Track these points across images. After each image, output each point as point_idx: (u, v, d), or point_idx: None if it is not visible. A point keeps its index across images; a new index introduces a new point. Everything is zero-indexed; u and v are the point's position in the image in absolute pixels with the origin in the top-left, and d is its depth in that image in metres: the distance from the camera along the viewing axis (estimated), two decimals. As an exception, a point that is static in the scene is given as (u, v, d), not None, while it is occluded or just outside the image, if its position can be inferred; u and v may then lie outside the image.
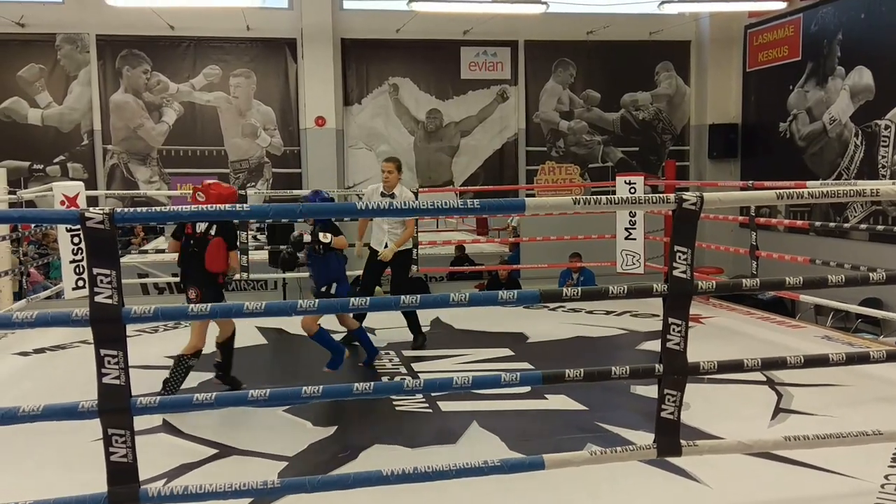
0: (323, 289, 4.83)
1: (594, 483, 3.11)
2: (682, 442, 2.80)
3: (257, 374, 5.04)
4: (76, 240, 6.16)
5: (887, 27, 9.10)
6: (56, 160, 10.70)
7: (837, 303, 6.23)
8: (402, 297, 2.65)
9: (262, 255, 8.36)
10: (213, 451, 3.59)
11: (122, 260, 2.91)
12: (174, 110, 10.98)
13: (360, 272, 6.27)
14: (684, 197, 2.65)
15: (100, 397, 2.39)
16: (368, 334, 5.30)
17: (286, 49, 11.08)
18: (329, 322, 5.07)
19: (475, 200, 2.76)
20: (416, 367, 5.06)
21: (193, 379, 4.63)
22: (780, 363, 3.01)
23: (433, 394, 4.21)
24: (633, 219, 7.42)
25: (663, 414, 2.76)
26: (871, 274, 3.14)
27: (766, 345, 5.52)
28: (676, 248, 2.68)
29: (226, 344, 4.53)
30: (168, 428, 3.85)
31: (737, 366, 2.97)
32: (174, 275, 4.52)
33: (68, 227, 6.05)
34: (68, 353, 5.51)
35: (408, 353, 5.41)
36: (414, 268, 7.09)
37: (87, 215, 2.31)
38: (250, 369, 4.85)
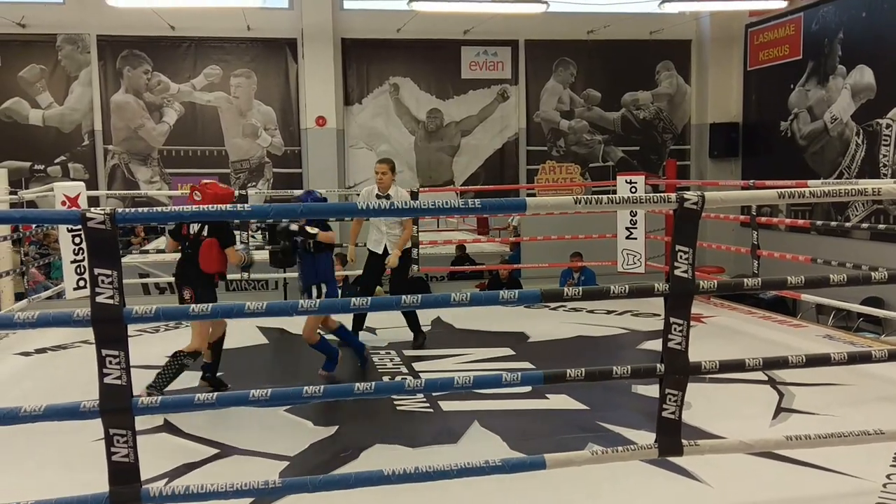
0: (312, 289, 4.76)
1: (595, 483, 3.10)
2: (684, 441, 2.80)
3: (258, 373, 5.05)
4: (77, 240, 6.17)
5: (888, 26, 9.09)
6: (57, 160, 10.70)
7: (839, 302, 6.23)
8: (404, 296, 2.65)
9: (263, 256, 8.35)
10: (214, 451, 3.59)
11: (123, 260, 2.91)
12: (175, 110, 10.98)
13: (360, 272, 6.28)
14: (686, 196, 2.65)
15: (101, 397, 2.39)
16: (364, 332, 5.30)
17: (287, 49, 11.08)
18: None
19: (476, 200, 2.76)
20: (417, 366, 5.06)
21: (193, 379, 4.64)
22: (782, 363, 3.01)
23: (434, 393, 4.21)
24: (633, 218, 7.42)
25: (665, 413, 2.76)
26: (872, 273, 3.14)
27: (768, 344, 5.52)
28: (678, 247, 2.68)
29: (216, 344, 4.53)
30: (169, 428, 3.85)
31: (738, 365, 2.96)
32: (174, 275, 4.53)
33: (69, 227, 6.05)
34: (69, 353, 5.52)
35: (408, 352, 5.41)
36: (415, 267, 7.10)
37: (88, 216, 2.31)
38: (251, 369, 4.86)
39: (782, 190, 2.92)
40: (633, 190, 7.40)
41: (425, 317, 5.90)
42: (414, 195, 7.67)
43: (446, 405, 4.15)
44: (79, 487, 2.49)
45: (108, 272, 2.35)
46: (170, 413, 3.86)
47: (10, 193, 6.89)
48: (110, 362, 2.38)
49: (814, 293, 6.72)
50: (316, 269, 4.76)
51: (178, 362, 4.19)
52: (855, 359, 3.21)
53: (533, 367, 4.89)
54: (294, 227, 4.71)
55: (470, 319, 6.34)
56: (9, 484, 3.20)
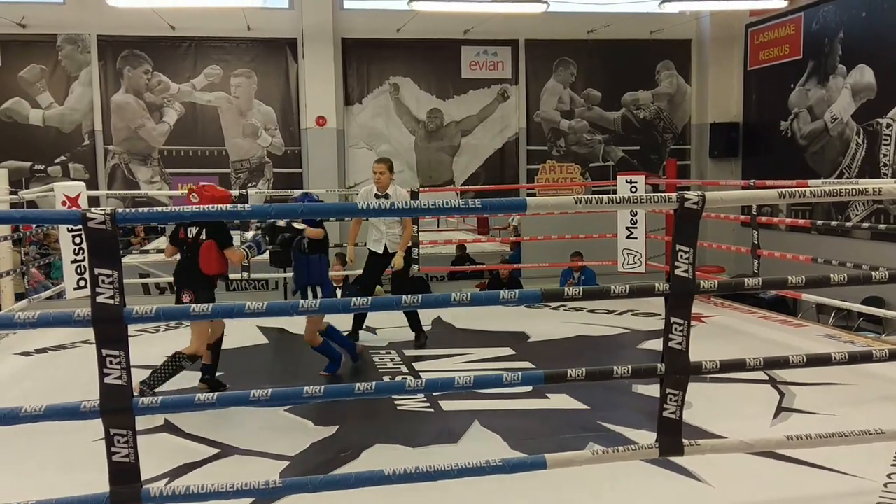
0: (308, 291, 4.70)
1: (596, 482, 3.10)
2: (685, 441, 2.79)
3: (259, 373, 5.05)
4: (77, 240, 6.17)
5: (889, 25, 9.08)
6: (57, 160, 10.70)
7: (839, 301, 6.22)
8: (404, 296, 2.65)
9: (263, 256, 8.34)
10: (214, 451, 3.59)
11: (124, 260, 2.92)
12: (175, 110, 10.98)
13: (360, 272, 6.28)
14: (686, 196, 2.65)
15: (102, 397, 2.39)
16: (364, 332, 5.28)
17: (287, 49, 11.08)
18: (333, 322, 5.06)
19: (476, 200, 2.75)
20: (417, 366, 5.06)
21: (194, 379, 4.64)
22: (783, 362, 3.01)
23: (434, 393, 4.21)
24: (634, 218, 7.42)
25: (665, 413, 2.76)
26: (873, 273, 3.13)
27: (768, 344, 5.52)
28: (678, 247, 2.68)
29: (215, 345, 4.53)
30: (170, 428, 3.85)
31: (739, 365, 2.96)
32: (173, 277, 4.52)
33: (70, 227, 6.05)
34: (70, 353, 5.52)
35: (409, 352, 5.41)
36: (415, 267, 7.09)
37: (88, 216, 2.31)
38: (252, 369, 4.85)
39: (783, 190, 2.92)
40: (634, 190, 7.40)
41: (425, 317, 5.90)
42: (414, 195, 7.67)
43: (447, 405, 4.15)
44: (79, 488, 2.49)
45: (109, 272, 2.34)
46: (170, 413, 3.85)
47: (11, 193, 6.89)
48: (111, 362, 2.38)
49: (814, 293, 6.71)
50: (309, 271, 4.70)
51: (175, 363, 4.18)
52: (856, 358, 3.21)
53: (533, 366, 4.88)
54: (281, 222, 4.65)
55: (470, 319, 6.34)
56: (9, 484, 3.20)
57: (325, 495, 2.63)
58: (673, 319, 2.70)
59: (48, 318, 2.47)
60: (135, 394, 2.51)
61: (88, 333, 2.41)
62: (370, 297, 2.71)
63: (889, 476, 3.13)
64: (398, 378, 4.75)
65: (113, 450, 2.41)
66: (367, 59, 11.35)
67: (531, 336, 5.88)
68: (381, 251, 5.64)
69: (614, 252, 7.62)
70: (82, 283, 6.17)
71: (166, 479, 3.21)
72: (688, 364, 2.74)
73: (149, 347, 5.30)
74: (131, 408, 2.41)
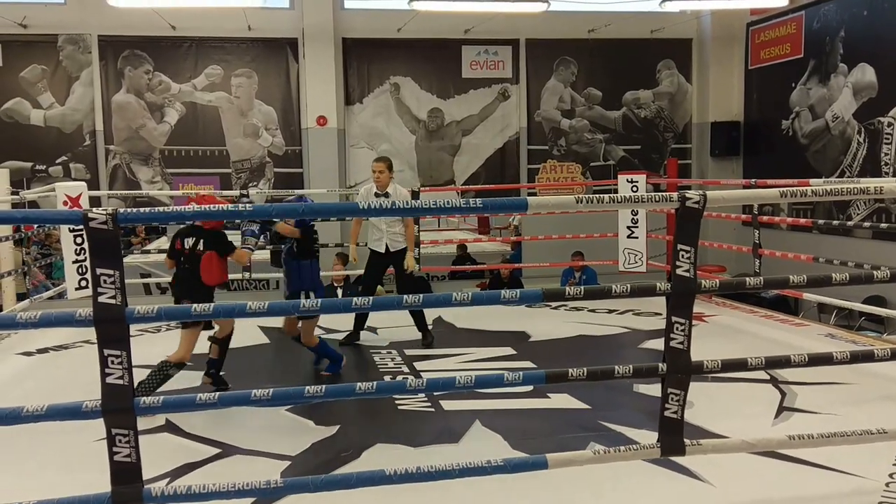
0: (301, 297, 4.63)
1: (597, 482, 3.10)
2: (686, 441, 2.79)
3: (260, 373, 5.05)
4: (79, 240, 6.17)
5: (890, 24, 9.07)
6: (58, 161, 10.71)
7: (841, 301, 6.22)
8: (405, 296, 2.65)
9: (263, 255, 8.35)
10: (215, 451, 3.59)
11: (125, 260, 2.92)
12: (176, 110, 10.98)
13: (361, 272, 6.28)
14: (687, 195, 2.65)
15: (103, 397, 2.39)
16: (365, 331, 5.27)
17: (287, 49, 11.08)
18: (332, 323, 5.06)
19: (477, 199, 2.75)
20: (418, 366, 5.06)
21: (194, 379, 4.64)
22: (784, 361, 3.01)
23: (435, 393, 4.21)
24: (635, 217, 7.42)
25: (667, 413, 2.76)
26: (875, 272, 3.13)
27: (770, 343, 5.52)
28: (680, 246, 2.67)
29: (223, 341, 4.54)
30: (171, 428, 3.86)
31: (740, 364, 2.96)
32: (172, 287, 4.51)
33: (71, 227, 6.06)
34: (71, 353, 5.52)
35: (410, 352, 5.41)
36: (416, 267, 7.09)
37: (90, 216, 2.31)
38: (253, 368, 4.86)
39: (784, 189, 2.92)
40: (635, 189, 7.39)
41: (426, 316, 5.89)
42: (415, 194, 7.67)
43: (447, 405, 4.15)
44: (80, 488, 2.49)
45: (110, 272, 2.35)
46: (171, 413, 3.86)
47: (12, 194, 6.89)
48: (112, 362, 2.38)
49: (816, 292, 6.70)
50: (301, 276, 4.67)
51: (162, 372, 4.17)
52: (857, 358, 3.20)
53: (534, 366, 4.89)
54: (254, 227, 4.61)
55: (471, 319, 6.34)
56: (10, 484, 3.20)
57: (325, 495, 2.63)
58: (674, 319, 2.70)
59: (50, 318, 2.47)
60: (143, 399, 2.51)
61: (90, 333, 2.41)
62: (371, 297, 2.71)
63: (891, 476, 3.12)
64: (399, 378, 4.75)
65: (114, 450, 2.41)
66: (368, 58, 11.35)
67: (532, 336, 5.88)
68: (382, 250, 5.65)
69: (615, 251, 7.61)
70: (84, 283, 6.17)
71: (167, 479, 3.21)
72: (689, 363, 2.74)
73: (150, 347, 5.30)
74: (133, 408, 2.42)
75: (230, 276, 4.61)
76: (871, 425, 2.98)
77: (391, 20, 11.01)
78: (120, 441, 2.40)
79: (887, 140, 9.19)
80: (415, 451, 3.55)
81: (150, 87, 10.89)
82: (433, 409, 4.12)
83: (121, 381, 2.38)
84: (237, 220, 5.19)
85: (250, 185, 10.92)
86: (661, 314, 2.84)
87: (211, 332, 4.58)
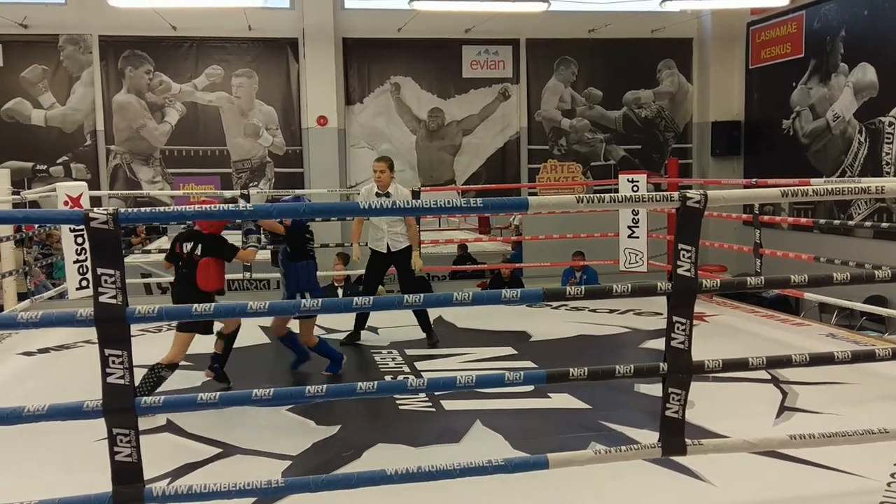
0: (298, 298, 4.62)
1: (598, 482, 3.10)
2: (687, 441, 2.79)
3: (260, 373, 5.05)
4: (80, 240, 6.17)
5: (891, 23, 9.07)
6: (59, 161, 10.71)
7: (842, 300, 6.21)
8: (405, 296, 2.65)
9: (264, 255, 8.35)
10: (216, 451, 3.59)
11: (125, 260, 2.92)
12: (176, 110, 10.99)
13: (362, 272, 6.27)
14: (688, 195, 2.65)
15: (104, 397, 2.39)
16: (366, 331, 5.27)
17: (288, 49, 11.08)
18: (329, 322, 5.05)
19: (478, 199, 2.75)
20: (419, 366, 5.06)
21: (196, 379, 4.65)
22: (786, 361, 3.00)
23: (436, 393, 4.21)
24: (636, 217, 7.41)
25: (668, 413, 2.76)
26: (876, 272, 3.13)
27: (771, 343, 5.51)
28: (680, 245, 2.67)
29: (229, 337, 4.55)
30: (172, 427, 3.86)
31: (742, 364, 2.96)
32: (171, 294, 4.51)
33: (72, 227, 6.06)
34: (72, 352, 5.52)
35: (411, 351, 5.41)
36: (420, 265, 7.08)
37: (91, 216, 2.31)
38: (254, 368, 4.86)
39: (785, 188, 2.91)
40: (636, 189, 7.39)
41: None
42: (415, 194, 7.67)
43: (448, 404, 4.15)
44: (81, 487, 2.49)
45: (111, 272, 2.35)
46: (172, 413, 3.86)
47: (13, 194, 6.90)
48: (113, 362, 2.38)
49: (817, 292, 6.70)
50: (298, 278, 4.64)
51: (155, 375, 4.16)
52: (859, 357, 3.20)
53: (535, 366, 4.88)
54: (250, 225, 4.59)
55: (472, 319, 6.34)
56: (10, 484, 3.20)
57: (326, 495, 2.63)
58: (675, 318, 2.70)
59: (51, 318, 2.47)
60: (144, 399, 2.51)
61: (91, 333, 2.41)
62: (372, 297, 2.71)
63: (892, 475, 3.12)
64: (400, 377, 4.75)
65: (115, 449, 2.41)
66: (368, 58, 11.35)
67: (533, 335, 5.88)
68: (383, 250, 5.64)
69: (616, 251, 7.61)
70: (85, 282, 6.18)
71: (168, 479, 3.21)
72: (690, 363, 2.74)
73: (151, 347, 5.29)
74: (134, 407, 2.42)
75: (231, 276, 4.61)
76: (873, 425, 2.97)
77: (391, 20, 11.01)
78: (121, 441, 2.40)
79: (888, 139, 9.18)
80: (416, 451, 3.55)
81: (150, 87, 10.90)
82: (434, 409, 4.11)
83: (122, 381, 2.38)
84: (237, 221, 5.20)
85: (251, 184, 10.92)
86: (661, 314, 2.85)
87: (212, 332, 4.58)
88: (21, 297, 7.04)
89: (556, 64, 11.84)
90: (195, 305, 2.68)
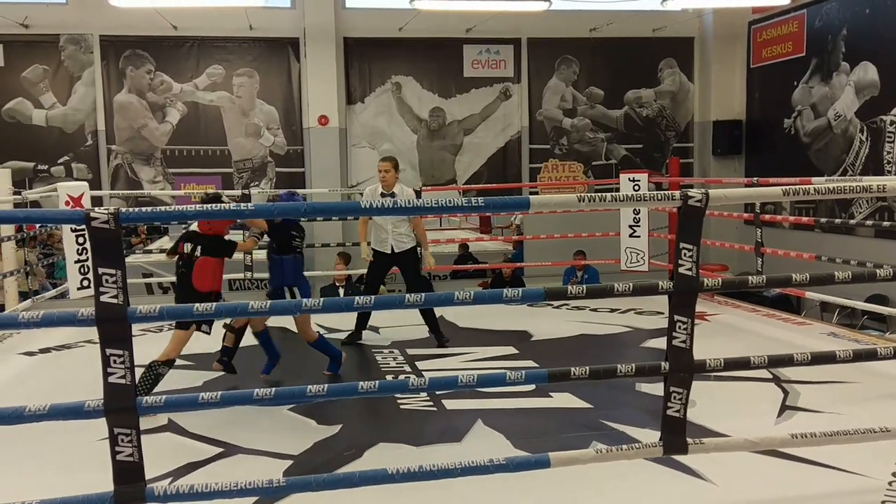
0: (285, 292, 4.57)
1: (600, 481, 3.10)
2: (689, 440, 2.79)
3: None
4: (81, 240, 6.17)
5: (892, 23, 9.06)
6: (60, 160, 10.72)
7: (843, 299, 6.21)
8: (406, 295, 2.65)
9: (264, 255, 8.35)
10: (218, 450, 3.59)
11: (127, 260, 2.91)
12: (178, 110, 10.99)
13: (363, 272, 6.27)
14: (690, 193, 2.64)
15: (105, 396, 2.39)
16: (367, 331, 5.25)
17: (289, 48, 11.08)
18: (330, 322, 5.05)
19: (479, 198, 2.75)
20: (420, 365, 5.06)
21: (197, 378, 4.65)
22: (787, 360, 3.00)
23: (437, 392, 4.21)
24: (637, 216, 7.41)
25: (669, 412, 2.76)
26: (877, 270, 3.12)
27: (772, 342, 5.51)
28: (682, 245, 2.67)
29: (239, 331, 4.58)
30: (173, 427, 3.86)
31: (743, 363, 2.96)
32: (177, 275, 4.53)
33: (73, 227, 6.06)
34: (73, 352, 5.52)
35: (412, 351, 5.40)
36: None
37: (92, 215, 2.31)
38: (255, 368, 4.85)
39: (786, 187, 2.91)
40: (637, 188, 7.38)
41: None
42: (417, 194, 7.66)
43: (450, 404, 4.15)
44: (82, 487, 2.49)
45: (112, 271, 2.35)
46: (174, 412, 3.86)
47: (14, 194, 6.90)
48: (114, 361, 2.38)
49: (818, 291, 6.69)
50: (283, 271, 4.60)
51: (153, 372, 4.17)
52: (860, 356, 3.20)
53: (537, 365, 4.88)
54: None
55: (473, 318, 6.34)
56: (11, 484, 3.20)
57: (328, 494, 2.63)
58: (677, 317, 2.70)
59: (52, 318, 2.47)
60: (145, 398, 2.51)
61: (92, 333, 2.41)
62: (373, 297, 2.71)
63: (894, 474, 3.12)
64: (401, 377, 4.75)
65: (117, 449, 2.41)
66: (369, 58, 11.35)
67: (534, 335, 5.88)
68: (388, 251, 5.59)
69: (617, 251, 7.61)
70: (86, 282, 6.18)
71: (170, 479, 3.21)
72: (692, 362, 2.74)
73: (152, 347, 5.29)
74: (135, 407, 2.42)
75: (232, 276, 4.61)
76: (874, 424, 2.97)
77: (392, 19, 11.01)
78: (122, 440, 2.41)
79: (889, 138, 9.17)
80: (417, 451, 3.55)
81: (151, 87, 10.90)
82: (435, 409, 4.11)
83: (123, 381, 2.38)
84: (238, 221, 5.19)
85: (252, 184, 10.93)
86: (663, 313, 2.85)
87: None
88: (25, 296, 7.05)
89: (558, 63, 11.84)
90: (196, 305, 2.68)
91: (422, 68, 11.52)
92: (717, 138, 11.80)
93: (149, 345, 5.40)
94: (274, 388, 2.58)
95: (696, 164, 12.19)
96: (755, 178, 6.76)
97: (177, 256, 4.38)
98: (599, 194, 2.74)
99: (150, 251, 10.56)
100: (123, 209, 2.37)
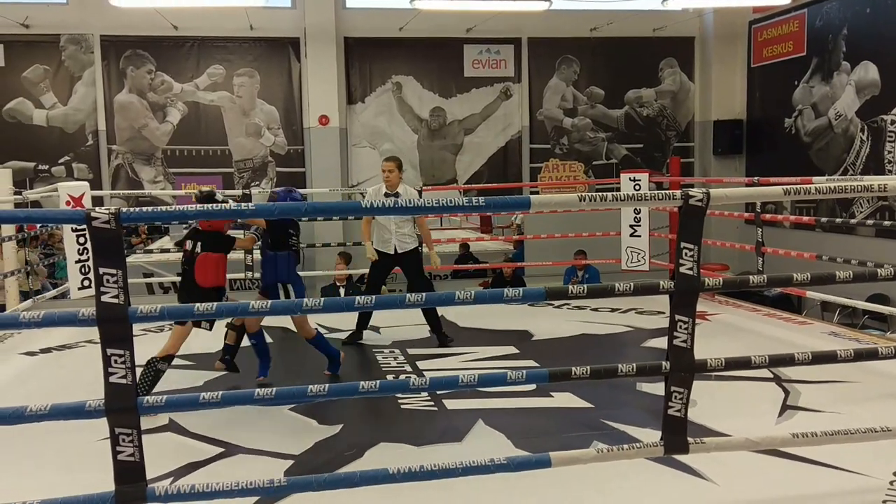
0: (279, 290, 4.56)
1: (601, 481, 3.10)
2: (690, 439, 2.79)
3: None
4: (82, 240, 6.18)
5: (893, 22, 9.05)
6: (61, 160, 10.73)
7: (844, 299, 6.20)
8: (407, 295, 2.65)
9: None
10: (219, 450, 3.59)
11: (128, 260, 2.90)
12: (178, 110, 11.00)
13: (364, 271, 6.26)
14: (691, 193, 2.64)
15: (107, 396, 2.39)
16: (368, 331, 5.25)
17: (289, 48, 11.09)
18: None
19: (480, 198, 2.75)
20: (421, 365, 5.06)
21: (198, 378, 4.66)
22: (788, 360, 3.00)
23: (438, 392, 4.21)
24: (637, 216, 7.41)
25: (670, 411, 2.75)
26: (878, 270, 3.12)
27: (773, 341, 5.50)
28: (683, 244, 2.67)
29: (241, 328, 4.59)
30: (174, 427, 3.86)
31: (744, 363, 2.95)
32: (178, 274, 4.55)
33: (74, 227, 6.06)
34: (74, 352, 5.53)
35: (413, 351, 5.40)
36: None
37: (93, 215, 2.31)
38: (256, 368, 4.85)
39: (787, 187, 2.91)
40: (637, 187, 7.38)
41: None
42: (418, 194, 7.66)
43: (451, 403, 4.15)
44: (83, 487, 2.49)
45: (113, 271, 2.35)
46: (175, 412, 3.86)
47: (15, 193, 6.90)
48: (115, 361, 2.38)
49: (819, 290, 6.69)
50: (277, 269, 4.59)
51: (152, 369, 4.17)
52: (861, 356, 3.20)
53: (537, 365, 4.88)
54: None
55: (474, 318, 6.33)
56: (11, 484, 3.20)
57: (329, 494, 2.63)
58: (678, 317, 2.70)
59: (53, 318, 2.47)
60: (146, 398, 2.51)
61: (93, 333, 2.41)
62: (374, 296, 2.71)
63: (895, 474, 3.11)
64: (402, 377, 4.75)
65: (118, 449, 2.41)
66: (370, 57, 11.36)
67: (535, 334, 5.88)
68: (391, 252, 5.58)
69: (618, 250, 7.60)
70: (86, 282, 6.18)
71: (171, 479, 3.21)
72: (693, 362, 2.74)
73: (153, 347, 5.29)
74: (136, 407, 2.42)
75: (233, 276, 4.62)
76: (875, 423, 2.97)
77: (393, 19, 11.01)
78: (123, 440, 2.41)
79: (890, 138, 9.17)
80: (418, 450, 3.54)
81: (152, 87, 10.91)
82: (436, 408, 4.11)
83: (124, 381, 2.38)
84: (238, 221, 5.19)
85: (253, 184, 10.94)
86: (664, 312, 2.85)
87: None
88: (26, 296, 7.05)
89: (558, 63, 11.84)
90: (197, 305, 2.67)
91: (422, 68, 11.52)
92: (718, 138, 11.80)
93: (150, 345, 5.41)
94: (275, 388, 2.58)
95: (696, 163, 12.18)
96: (756, 178, 6.76)
97: (182, 254, 4.40)
98: (600, 194, 2.74)
99: (150, 251, 10.56)
100: (124, 209, 2.37)
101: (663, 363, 2.76)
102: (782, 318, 6.40)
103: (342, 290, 7.87)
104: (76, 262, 6.25)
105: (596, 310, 6.68)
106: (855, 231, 9.17)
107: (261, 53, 11.08)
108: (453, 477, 2.60)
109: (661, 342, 2.87)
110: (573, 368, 2.77)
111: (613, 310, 6.67)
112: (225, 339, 4.67)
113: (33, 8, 10.37)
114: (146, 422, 2.64)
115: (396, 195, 5.47)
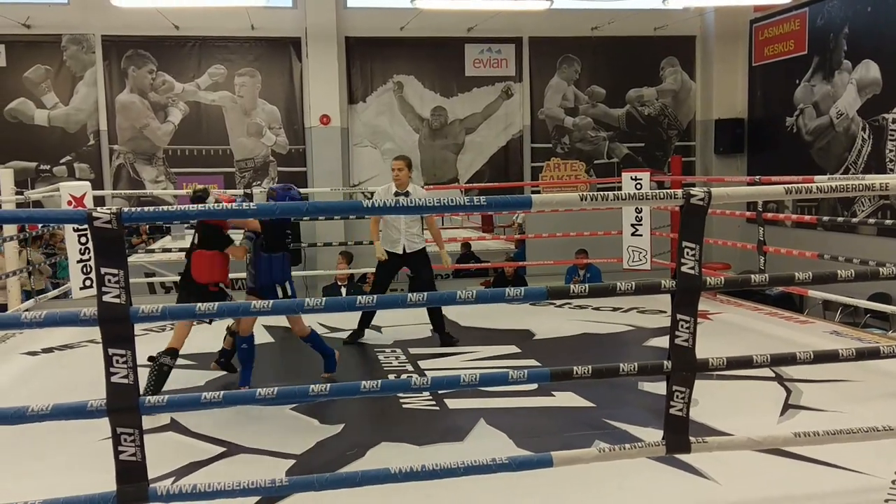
0: (277, 290, 4.52)
1: (603, 480, 3.10)
2: (691, 439, 2.79)
3: (264, 372, 5.04)
4: (83, 239, 6.19)
5: (894, 20, 9.04)
6: (63, 160, 10.74)
7: (846, 298, 6.20)
8: (408, 294, 2.65)
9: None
10: (220, 450, 3.59)
11: (129, 259, 2.90)
12: (179, 110, 11.01)
13: (365, 271, 6.26)
14: (692, 192, 2.64)
15: (108, 396, 2.39)
16: (369, 330, 5.24)
17: (291, 48, 11.09)
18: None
19: (482, 197, 2.75)
20: (422, 364, 5.06)
21: (200, 378, 4.66)
22: (790, 359, 3.00)
23: (440, 391, 4.21)
24: (639, 215, 7.40)
25: (672, 411, 2.75)
26: (880, 268, 3.11)
27: (775, 341, 5.50)
28: (684, 243, 2.67)
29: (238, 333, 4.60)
30: (176, 427, 3.86)
31: (746, 362, 2.95)
32: (179, 273, 4.55)
33: (75, 226, 6.07)
34: (76, 352, 5.53)
35: (414, 350, 5.40)
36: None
37: (94, 215, 2.31)
38: (257, 368, 4.85)
39: (789, 185, 2.91)
40: (639, 187, 7.38)
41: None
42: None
43: (452, 403, 4.15)
44: (85, 487, 2.49)
45: (115, 271, 2.35)
46: (176, 412, 3.86)
47: (17, 193, 6.91)
48: (117, 361, 2.38)
49: (821, 289, 6.68)
50: (271, 269, 4.56)
51: (158, 366, 4.17)
52: (863, 355, 3.19)
53: (539, 364, 4.88)
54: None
55: (475, 317, 6.33)
56: (12, 484, 3.21)
57: (331, 494, 2.63)
58: (679, 316, 2.69)
59: (54, 318, 2.47)
60: (147, 398, 2.52)
61: (95, 333, 2.41)
62: (375, 296, 2.71)
63: (897, 473, 3.11)
64: (403, 376, 4.75)
65: (120, 448, 2.41)
66: (371, 57, 11.36)
67: (536, 334, 5.87)
68: (399, 252, 5.55)
69: (619, 249, 7.60)
70: (88, 282, 6.19)
71: (173, 478, 3.22)
72: (694, 361, 2.73)
73: (155, 346, 5.30)
74: (138, 406, 2.42)
75: (233, 276, 4.61)
76: (877, 422, 2.97)
77: (394, 18, 11.01)
78: (125, 440, 2.41)
79: (892, 137, 9.15)
80: (419, 450, 3.54)
81: (153, 87, 10.92)
82: (438, 408, 4.11)
83: (126, 381, 2.38)
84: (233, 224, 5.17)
85: (254, 183, 10.93)
86: (665, 312, 2.85)
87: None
88: (28, 296, 7.06)
89: (559, 62, 11.83)
90: (199, 305, 2.67)
91: (423, 67, 11.52)
92: (719, 137, 11.79)
93: (151, 344, 5.42)
94: (276, 388, 2.58)
95: (698, 162, 12.18)
96: (757, 177, 6.75)
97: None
98: (601, 193, 2.74)
99: (152, 251, 10.57)
100: (126, 209, 2.37)
101: (665, 362, 2.76)
102: (784, 318, 6.40)
103: (344, 290, 7.87)
104: (78, 261, 6.26)
105: (597, 309, 6.68)
106: (856, 230, 9.16)
107: (262, 53, 11.09)
108: (455, 477, 2.60)
109: (663, 341, 2.87)
110: (575, 368, 2.76)
111: (615, 309, 6.67)
112: (223, 342, 4.67)
113: (34, 8, 10.38)
114: (148, 421, 2.64)
115: (406, 194, 5.44)
